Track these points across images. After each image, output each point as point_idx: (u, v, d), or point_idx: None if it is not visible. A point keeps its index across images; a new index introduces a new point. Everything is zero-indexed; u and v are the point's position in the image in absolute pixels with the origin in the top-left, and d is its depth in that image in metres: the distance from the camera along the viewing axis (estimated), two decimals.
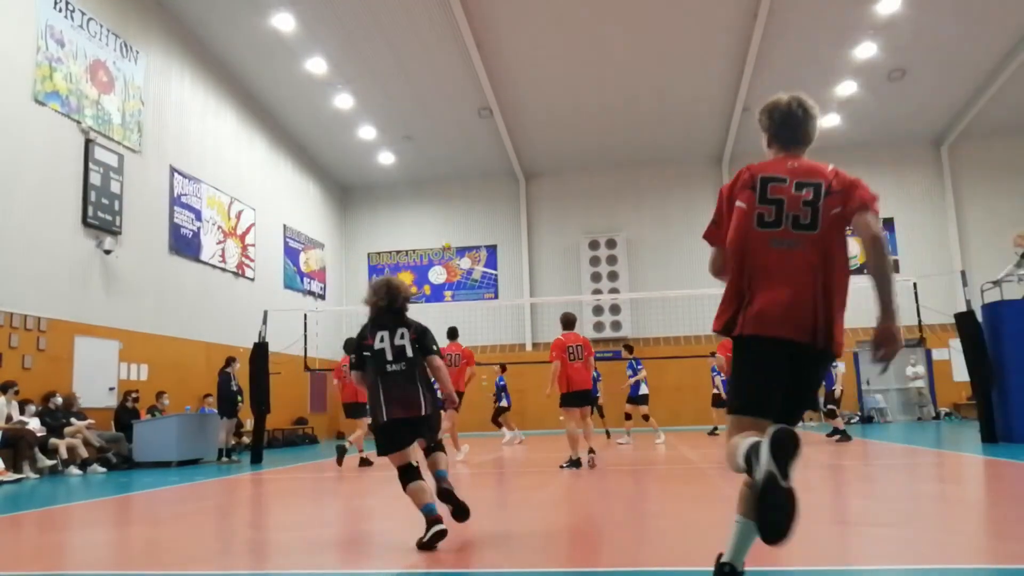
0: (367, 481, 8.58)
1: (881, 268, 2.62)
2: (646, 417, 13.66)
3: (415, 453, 4.37)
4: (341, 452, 10.19)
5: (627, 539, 4.45)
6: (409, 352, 4.41)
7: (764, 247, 2.68)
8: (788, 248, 2.67)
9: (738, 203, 2.76)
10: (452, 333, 10.63)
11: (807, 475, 7.90)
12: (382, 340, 4.43)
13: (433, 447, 4.57)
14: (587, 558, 3.97)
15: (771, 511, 2.28)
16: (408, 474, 4.23)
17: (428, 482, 4.31)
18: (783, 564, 3.61)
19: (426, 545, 3.99)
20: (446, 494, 4.36)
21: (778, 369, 2.59)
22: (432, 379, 4.52)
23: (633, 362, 14.16)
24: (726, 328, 2.69)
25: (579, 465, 8.56)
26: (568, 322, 9.20)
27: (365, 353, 4.45)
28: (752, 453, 2.34)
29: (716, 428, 15.27)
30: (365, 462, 10.11)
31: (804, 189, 2.78)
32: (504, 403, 15.19)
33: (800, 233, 2.69)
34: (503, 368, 15.59)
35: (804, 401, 2.71)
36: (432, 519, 4.03)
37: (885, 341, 2.57)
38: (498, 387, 15.19)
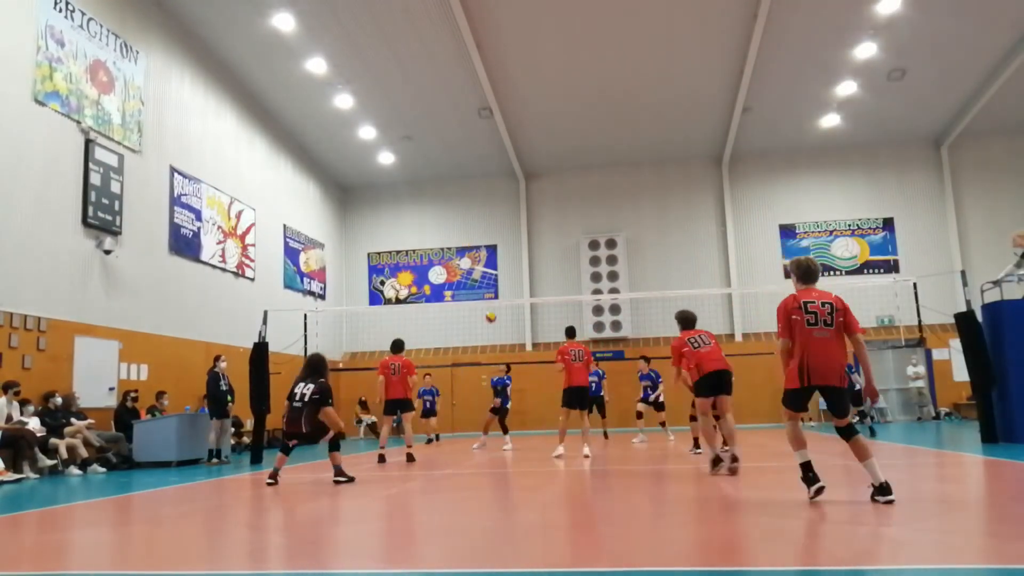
0: (367, 481, 8.58)
1: (864, 357, 5.37)
2: (663, 424, 14.23)
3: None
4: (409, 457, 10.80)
5: (626, 539, 4.45)
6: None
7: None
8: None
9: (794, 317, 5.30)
10: (396, 346, 11.42)
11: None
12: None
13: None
14: (586, 558, 3.97)
15: None
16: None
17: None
18: (783, 564, 3.61)
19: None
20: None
21: None
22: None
23: (653, 374, 14.18)
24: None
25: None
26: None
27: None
28: None
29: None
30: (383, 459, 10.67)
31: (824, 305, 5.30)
32: (506, 404, 14.44)
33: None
34: (508, 368, 14.95)
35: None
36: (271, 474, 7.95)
37: (871, 394, 5.46)
38: (500, 387, 14.43)
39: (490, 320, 15.28)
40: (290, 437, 8.15)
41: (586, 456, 10.18)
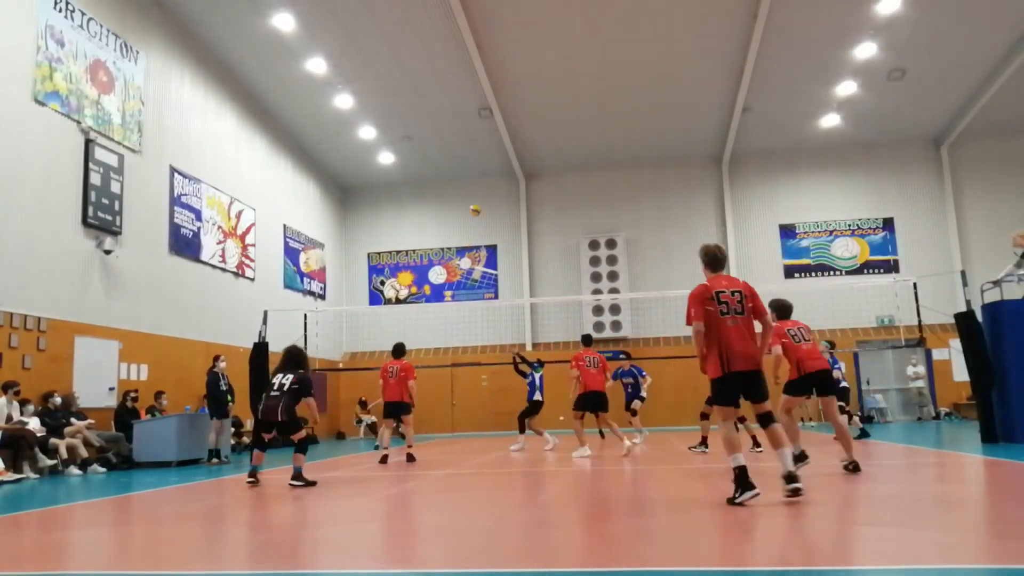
0: (366, 481, 8.59)
1: (767, 339, 5.86)
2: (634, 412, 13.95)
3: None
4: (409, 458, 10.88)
5: (626, 538, 4.45)
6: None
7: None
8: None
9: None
10: (397, 351, 11.33)
11: (806, 475, 7.89)
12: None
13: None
14: (587, 557, 3.97)
15: None
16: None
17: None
18: (783, 564, 3.61)
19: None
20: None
21: None
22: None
23: (635, 370, 14.12)
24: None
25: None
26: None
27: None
28: None
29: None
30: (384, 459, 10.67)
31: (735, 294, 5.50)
32: (537, 397, 13.14)
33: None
34: (541, 364, 13.79)
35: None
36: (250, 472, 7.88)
37: (758, 361, 5.45)
38: (538, 381, 13.17)
39: (476, 212, 14.17)
40: (266, 428, 7.90)
41: (627, 452, 10.48)
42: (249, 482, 7.78)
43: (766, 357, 7.33)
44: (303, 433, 7.88)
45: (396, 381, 10.82)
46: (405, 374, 10.86)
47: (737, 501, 5.06)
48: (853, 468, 6.96)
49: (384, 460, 10.55)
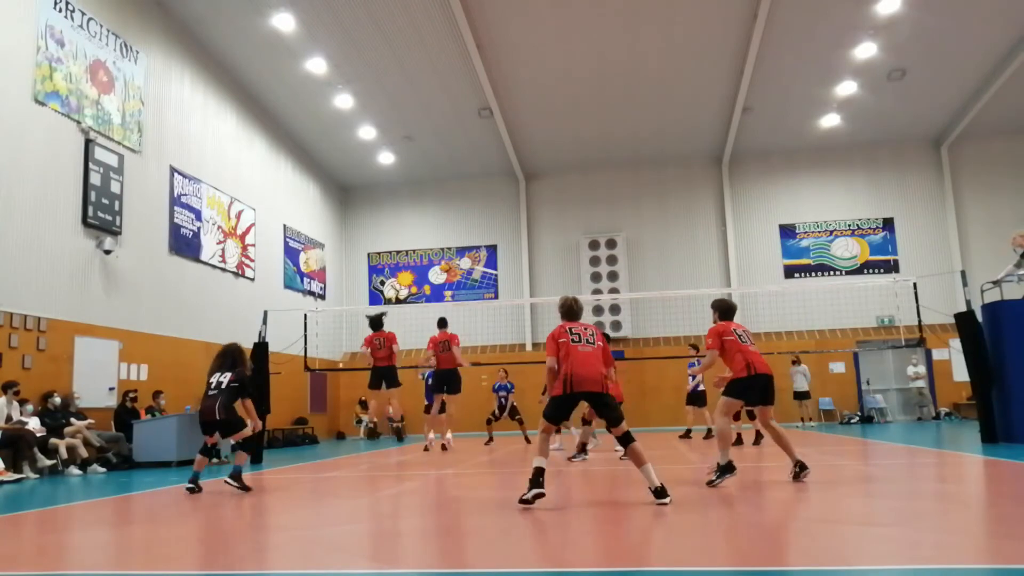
0: (366, 482, 8.58)
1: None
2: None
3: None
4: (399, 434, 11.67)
5: (626, 538, 4.45)
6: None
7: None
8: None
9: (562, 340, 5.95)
10: (442, 323, 12.71)
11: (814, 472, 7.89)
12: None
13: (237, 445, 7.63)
14: (586, 558, 3.97)
15: None
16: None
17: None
18: (783, 564, 3.60)
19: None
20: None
21: None
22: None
23: (509, 385, 14.38)
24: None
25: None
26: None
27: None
28: None
29: (690, 430, 14.45)
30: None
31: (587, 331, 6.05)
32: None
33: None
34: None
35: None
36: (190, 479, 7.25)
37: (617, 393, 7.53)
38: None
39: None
40: (206, 429, 7.48)
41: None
42: (188, 489, 7.14)
43: (699, 370, 7.99)
44: (248, 431, 7.44)
45: (384, 352, 11.73)
46: (390, 341, 11.88)
47: (521, 500, 5.44)
48: (800, 468, 6.54)
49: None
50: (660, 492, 5.34)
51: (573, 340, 5.87)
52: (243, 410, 7.57)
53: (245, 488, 7.22)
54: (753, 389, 6.56)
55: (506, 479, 8.25)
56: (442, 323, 12.60)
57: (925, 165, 22.03)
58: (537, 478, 5.43)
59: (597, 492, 6.84)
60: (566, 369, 5.75)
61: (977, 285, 12.59)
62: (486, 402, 15.69)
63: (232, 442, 7.84)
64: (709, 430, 14.06)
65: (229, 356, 7.71)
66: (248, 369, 7.78)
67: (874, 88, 18.62)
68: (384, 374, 11.74)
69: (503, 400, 14.11)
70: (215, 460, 12.18)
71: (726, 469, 6.34)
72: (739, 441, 10.20)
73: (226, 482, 7.28)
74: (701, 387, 13.72)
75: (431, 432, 12.72)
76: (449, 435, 12.83)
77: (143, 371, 13.74)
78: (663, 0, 15.30)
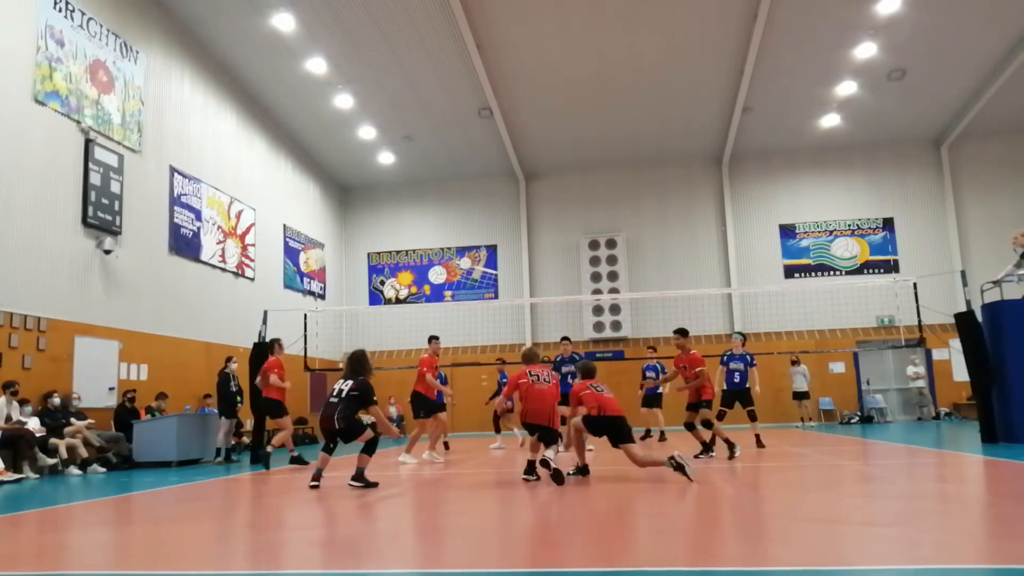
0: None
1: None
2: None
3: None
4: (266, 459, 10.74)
5: (625, 538, 4.45)
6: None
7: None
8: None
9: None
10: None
11: (805, 475, 7.90)
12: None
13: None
14: (586, 558, 3.97)
15: None
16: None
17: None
18: (784, 564, 3.60)
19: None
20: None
21: None
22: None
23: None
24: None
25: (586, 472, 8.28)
26: (588, 371, 8.83)
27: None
28: None
29: (649, 431, 14.58)
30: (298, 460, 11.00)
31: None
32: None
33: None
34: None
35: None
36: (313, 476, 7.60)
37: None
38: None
39: None
40: (326, 435, 7.57)
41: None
42: (312, 485, 7.44)
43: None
44: (369, 434, 7.53)
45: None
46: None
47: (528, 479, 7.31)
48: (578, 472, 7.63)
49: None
50: (542, 464, 7.12)
51: (532, 380, 7.44)
52: (375, 418, 7.63)
53: (370, 485, 7.30)
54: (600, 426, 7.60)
55: (506, 479, 8.25)
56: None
57: (925, 165, 22.03)
58: (532, 466, 7.30)
59: (594, 493, 6.84)
60: (524, 406, 7.48)
61: (977, 285, 12.59)
62: (486, 402, 15.73)
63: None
64: (662, 432, 14.41)
65: (351, 364, 7.79)
66: (370, 375, 7.78)
67: (874, 88, 18.62)
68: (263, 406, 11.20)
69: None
70: (219, 460, 12.22)
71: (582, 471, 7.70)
72: (732, 447, 9.83)
73: (350, 484, 7.33)
74: (660, 390, 14.27)
75: (425, 453, 11.39)
76: (426, 454, 11.50)
77: (143, 371, 13.73)
78: (663, 0, 15.31)
